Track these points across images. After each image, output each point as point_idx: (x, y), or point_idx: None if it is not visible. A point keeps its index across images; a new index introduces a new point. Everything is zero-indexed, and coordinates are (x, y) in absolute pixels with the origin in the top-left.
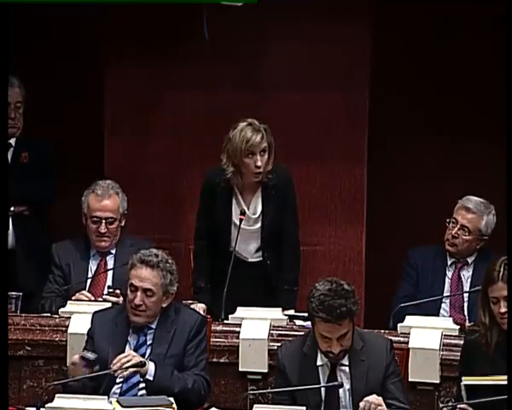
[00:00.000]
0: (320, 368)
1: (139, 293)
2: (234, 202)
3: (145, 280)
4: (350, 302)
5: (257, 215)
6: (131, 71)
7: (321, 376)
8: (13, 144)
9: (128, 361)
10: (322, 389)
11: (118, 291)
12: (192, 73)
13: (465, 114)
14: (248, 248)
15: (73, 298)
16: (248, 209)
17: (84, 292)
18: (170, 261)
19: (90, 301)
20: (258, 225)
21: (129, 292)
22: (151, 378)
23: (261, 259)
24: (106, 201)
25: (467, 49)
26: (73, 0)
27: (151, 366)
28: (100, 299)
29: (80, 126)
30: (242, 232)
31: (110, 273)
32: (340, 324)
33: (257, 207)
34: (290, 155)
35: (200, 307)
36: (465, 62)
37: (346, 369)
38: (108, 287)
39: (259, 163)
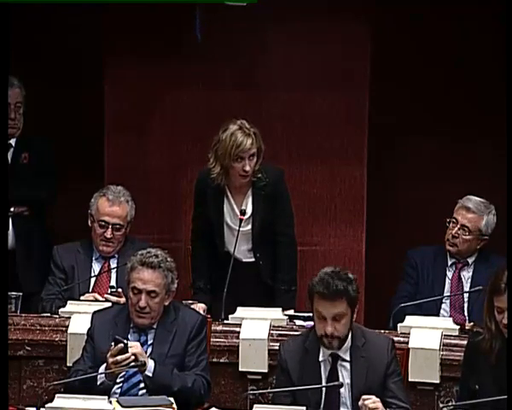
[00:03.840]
0: (322, 363)
1: (143, 295)
2: (225, 202)
3: (148, 282)
4: (349, 286)
5: (248, 216)
6: (131, 70)
7: (322, 371)
8: (13, 145)
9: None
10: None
11: (120, 290)
12: (192, 72)
13: (465, 114)
14: (241, 248)
15: (82, 298)
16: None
17: (95, 294)
18: (169, 259)
19: (96, 300)
20: (250, 226)
21: (132, 295)
22: (150, 374)
23: (254, 260)
24: (116, 207)
25: (467, 49)
26: (74, 0)
27: (150, 362)
28: (101, 298)
29: (80, 126)
30: (233, 231)
31: (113, 276)
32: (335, 300)
33: (248, 207)
34: (290, 155)
35: (200, 308)
36: (465, 62)
37: (347, 365)
38: (111, 287)
39: (248, 168)
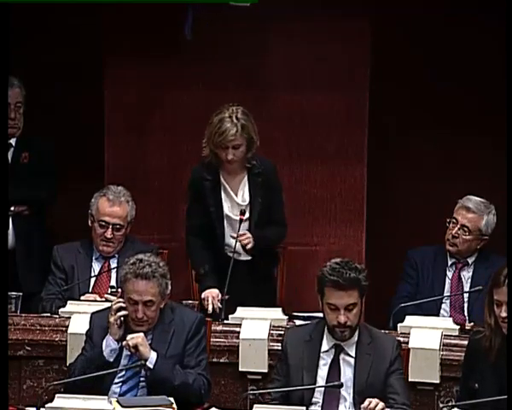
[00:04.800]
0: (324, 354)
1: (140, 306)
2: (223, 192)
3: (144, 293)
4: (361, 276)
5: (246, 203)
6: (131, 70)
7: (321, 362)
8: (13, 144)
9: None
10: (323, 378)
11: (120, 290)
12: (192, 72)
13: (465, 114)
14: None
15: (82, 298)
16: (237, 196)
17: (95, 296)
18: (161, 264)
19: (95, 300)
20: (248, 214)
21: (128, 305)
22: (151, 366)
23: (250, 257)
24: (116, 207)
25: (467, 49)
26: (74, 0)
27: (152, 354)
28: (101, 299)
29: (80, 126)
30: (233, 223)
31: (113, 276)
32: (349, 289)
33: (244, 195)
34: (290, 154)
35: (213, 294)
36: (466, 62)
37: (351, 360)
38: (111, 287)
39: (230, 157)
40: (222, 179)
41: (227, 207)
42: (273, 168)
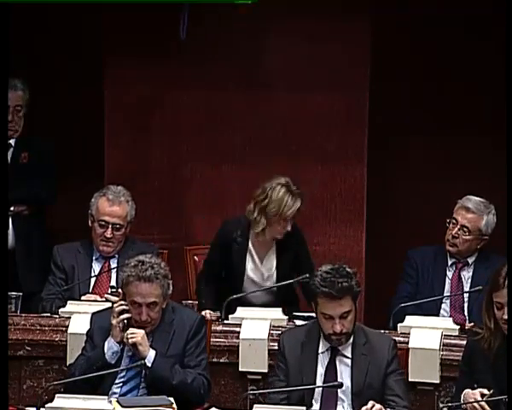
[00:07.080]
0: (321, 355)
1: (144, 309)
2: (248, 256)
3: (148, 296)
4: (353, 282)
5: (272, 271)
6: (131, 70)
7: (319, 362)
8: (13, 144)
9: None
10: (320, 378)
11: (120, 290)
12: (192, 72)
13: (465, 114)
14: (260, 299)
15: (83, 298)
16: (262, 264)
17: (95, 296)
18: (162, 265)
19: (96, 301)
20: (272, 280)
21: (131, 307)
22: (149, 365)
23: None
24: (116, 207)
25: (467, 49)
26: (74, 0)
27: (151, 352)
28: (101, 299)
29: (80, 126)
30: (254, 282)
31: (113, 276)
32: (342, 298)
33: (272, 261)
34: (290, 155)
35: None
36: (465, 62)
37: (348, 361)
38: (111, 287)
39: (289, 228)
40: (250, 245)
41: (250, 271)
42: (297, 229)
